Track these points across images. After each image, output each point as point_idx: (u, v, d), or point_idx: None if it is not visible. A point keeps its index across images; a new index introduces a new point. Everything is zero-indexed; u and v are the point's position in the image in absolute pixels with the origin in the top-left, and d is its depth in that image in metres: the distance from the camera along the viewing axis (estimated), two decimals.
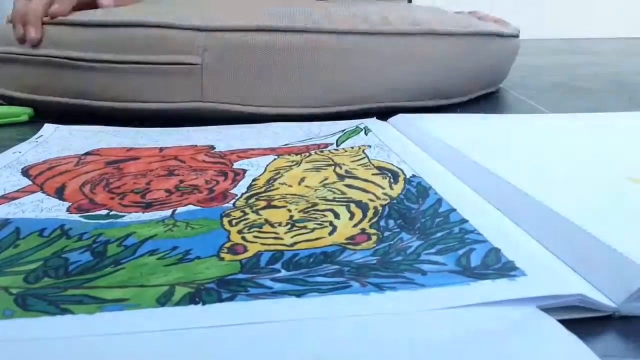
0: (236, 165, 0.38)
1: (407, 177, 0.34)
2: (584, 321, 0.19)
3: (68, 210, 0.30)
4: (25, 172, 0.37)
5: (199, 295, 0.21)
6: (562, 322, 0.19)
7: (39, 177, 0.36)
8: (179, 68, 0.49)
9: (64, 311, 0.20)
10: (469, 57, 0.58)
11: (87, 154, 0.41)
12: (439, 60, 0.56)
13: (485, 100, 0.64)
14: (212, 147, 0.43)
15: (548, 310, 0.19)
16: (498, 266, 0.22)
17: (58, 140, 0.45)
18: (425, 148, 0.40)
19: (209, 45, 0.49)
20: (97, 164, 0.38)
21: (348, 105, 0.53)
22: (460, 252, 0.23)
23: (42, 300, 0.21)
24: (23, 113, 0.54)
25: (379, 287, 0.21)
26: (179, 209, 0.30)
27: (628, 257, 0.20)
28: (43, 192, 0.33)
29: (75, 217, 0.29)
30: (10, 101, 0.55)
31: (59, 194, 0.33)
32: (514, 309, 0.19)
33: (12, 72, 0.55)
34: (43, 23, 0.53)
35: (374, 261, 0.23)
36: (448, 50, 0.56)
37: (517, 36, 0.68)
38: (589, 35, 1.67)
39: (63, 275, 0.23)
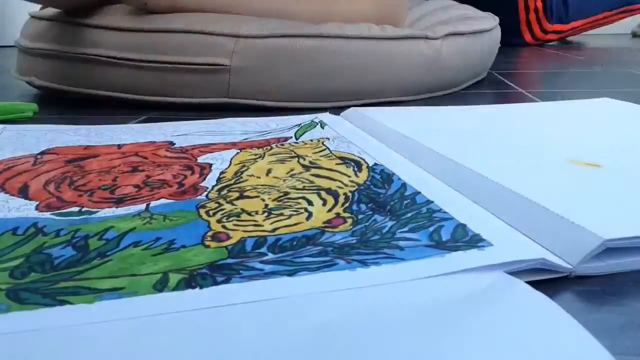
0: (200, 160, 0.38)
1: (370, 165, 0.36)
2: (543, 282, 0.22)
3: (37, 208, 0.30)
4: None
5: (194, 280, 0.22)
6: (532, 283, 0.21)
7: None
8: (210, 68, 0.58)
9: (62, 302, 0.20)
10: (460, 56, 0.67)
11: (42, 153, 0.40)
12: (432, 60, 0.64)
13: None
14: (172, 143, 0.43)
15: (513, 274, 0.22)
16: (467, 239, 0.24)
17: (8, 141, 0.43)
18: (380, 138, 0.42)
19: (237, 49, 0.58)
20: (56, 162, 0.38)
21: (348, 100, 0.61)
22: (431, 229, 0.25)
23: (35, 294, 0.21)
24: (28, 109, 0.54)
25: (364, 263, 0.23)
26: (153, 203, 0.30)
27: (580, 224, 0.23)
28: (6, 193, 0.32)
29: (47, 215, 0.29)
30: (40, 89, 0.63)
31: (23, 193, 0.32)
32: (485, 274, 0.22)
33: (48, 65, 0.63)
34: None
35: (354, 241, 0.25)
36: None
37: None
38: None
39: (50, 269, 0.23)
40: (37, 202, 0.31)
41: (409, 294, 0.20)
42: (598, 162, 0.34)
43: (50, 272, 0.23)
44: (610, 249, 0.22)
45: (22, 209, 0.30)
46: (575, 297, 0.22)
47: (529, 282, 0.21)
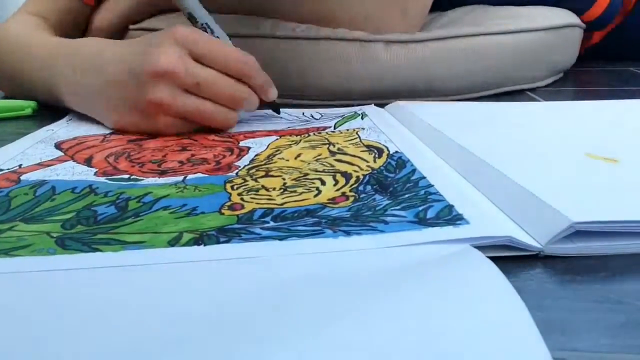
0: (242, 144, 0.43)
1: (391, 152, 0.38)
2: (515, 259, 0.24)
3: (95, 174, 0.35)
4: (57, 146, 0.42)
5: (201, 239, 0.26)
6: (496, 259, 0.23)
7: (70, 150, 0.41)
8: None
9: (95, 250, 0.25)
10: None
11: (111, 133, 0.46)
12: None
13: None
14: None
15: (483, 248, 0.24)
16: (448, 218, 0.26)
17: (84, 122, 0.50)
18: (412, 129, 0.44)
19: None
20: (120, 141, 0.44)
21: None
22: (420, 208, 0.28)
23: (77, 242, 0.26)
24: (27, 107, 0.54)
25: (347, 233, 0.25)
26: (190, 176, 0.35)
27: (551, 205, 0.24)
28: (74, 161, 0.38)
29: (102, 179, 0.34)
30: None
31: (88, 162, 0.38)
32: (451, 245, 0.24)
33: None
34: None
35: (347, 215, 0.28)
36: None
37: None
38: None
39: (93, 223, 0.28)
40: (97, 169, 0.36)
41: (379, 259, 0.23)
42: (618, 158, 0.34)
43: (92, 226, 0.27)
44: (586, 233, 0.24)
45: (83, 174, 0.35)
46: (543, 274, 0.23)
47: (501, 258, 0.23)
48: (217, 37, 0.47)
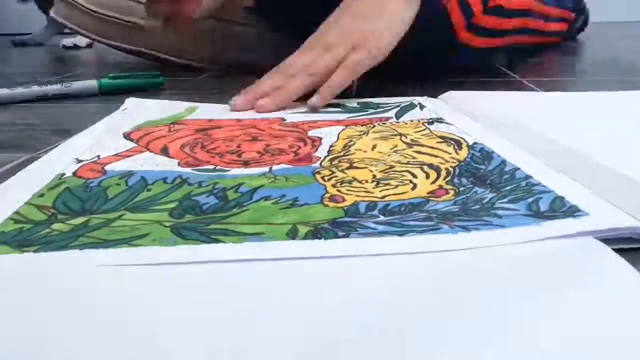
0: (311, 134, 0.42)
1: (470, 144, 0.38)
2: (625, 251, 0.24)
3: (179, 165, 0.35)
4: (127, 137, 0.42)
5: (319, 233, 0.25)
6: (620, 250, 0.23)
7: (141, 140, 0.41)
8: None
9: (216, 240, 0.25)
10: None
11: (173, 123, 0.46)
12: None
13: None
14: (283, 119, 0.47)
15: (607, 241, 0.24)
16: (564, 209, 0.26)
17: (142, 110, 0.50)
18: (478, 120, 0.44)
19: None
20: (187, 131, 0.43)
21: None
22: (530, 200, 0.28)
23: (193, 232, 0.26)
24: (160, 82, 0.66)
25: (466, 229, 0.25)
26: (274, 167, 0.35)
27: None
28: (150, 152, 0.38)
29: (188, 170, 0.34)
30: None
31: (165, 153, 0.38)
32: (576, 240, 0.24)
33: None
34: None
35: (456, 209, 0.28)
36: None
37: None
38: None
39: (200, 213, 0.28)
40: (178, 160, 0.36)
41: (503, 257, 0.23)
42: None
43: (201, 215, 0.27)
44: None
45: (167, 165, 0.35)
46: None
47: (616, 250, 0.23)
48: None
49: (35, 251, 0.24)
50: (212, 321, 0.19)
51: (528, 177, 0.31)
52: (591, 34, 1.20)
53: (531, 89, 0.61)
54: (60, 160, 0.36)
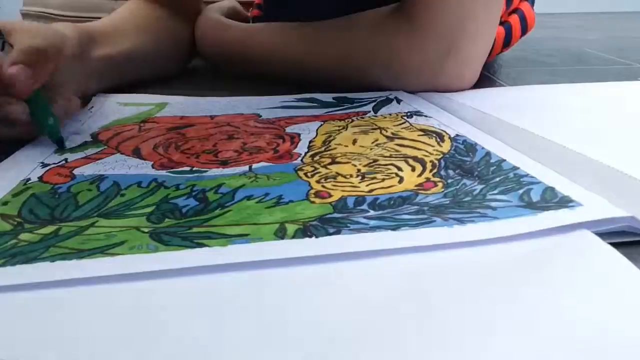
0: (289, 130, 0.41)
1: (452, 136, 0.37)
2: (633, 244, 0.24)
3: (153, 167, 0.33)
4: (95, 137, 0.39)
5: (309, 231, 0.24)
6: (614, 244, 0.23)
7: (111, 141, 0.38)
8: None
9: (200, 245, 0.23)
10: None
11: (143, 121, 0.44)
12: None
13: None
14: (259, 115, 0.46)
15: (600, 235, 0.23)
16: (556, 200, 0.26)
17: (110, 110, 0.47)
18: (457, 114, 0.43)
19: None
20: (158, 130, 0.41)
21: None
22: (520, 191, 0.27)
23: (175, 237, 0.24)
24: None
25: (460, 221, 0.25)
26: (254, 165, 0.33)
27: None
28: (121, 154, 0.36)
29: (163, 172, 0.32)
30: None
31: (137, 154, 0.36)
32: (571, 234, 0.23)
33: None
34: None
35: (447, 202, 0.27)
36: None
37: None
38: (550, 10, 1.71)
39: (181, 216, 0.26)
40: (152, 162, 0.34)
41: (499, 250, 0.23)
42: None
43: (181, 219, 0.26)
44: None
45: (140, 167, 0.33)
46: None
47: (611, 244, 0.23)
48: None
49: (1, 265, 0.22)
50: (207, 328, 0.18)
51: (515, 168, 0.30)
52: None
53: (500, 85, 0.61)
54: (24, 165, 0.33)
